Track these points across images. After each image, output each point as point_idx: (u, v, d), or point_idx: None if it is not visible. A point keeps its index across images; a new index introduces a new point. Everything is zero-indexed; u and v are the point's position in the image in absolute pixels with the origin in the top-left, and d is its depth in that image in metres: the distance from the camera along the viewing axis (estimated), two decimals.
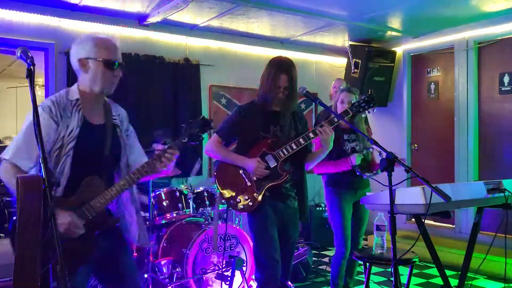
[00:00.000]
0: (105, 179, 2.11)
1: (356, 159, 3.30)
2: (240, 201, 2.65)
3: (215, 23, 5.21)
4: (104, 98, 2.22)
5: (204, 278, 3.70)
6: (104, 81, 2.11)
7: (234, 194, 2.68)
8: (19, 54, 1.90)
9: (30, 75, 1.79)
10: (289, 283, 2.87)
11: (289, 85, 2.69)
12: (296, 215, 2.80)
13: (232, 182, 2.69)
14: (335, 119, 2.69)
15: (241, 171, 2.68)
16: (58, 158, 2.02)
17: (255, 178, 2.65)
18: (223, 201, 2.77)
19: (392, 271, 2.24)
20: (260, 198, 2.63)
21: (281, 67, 2.73)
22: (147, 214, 3.88)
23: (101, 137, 2.13)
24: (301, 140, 2.64)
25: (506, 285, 4.19)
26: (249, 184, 2.66)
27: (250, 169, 2.64)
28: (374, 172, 3.36)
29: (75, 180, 2.03)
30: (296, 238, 2.85)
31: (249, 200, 2.64)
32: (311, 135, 2.64)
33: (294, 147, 2.63)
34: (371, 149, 3.47)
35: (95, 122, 2.14)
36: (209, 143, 2.81)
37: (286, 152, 2.63)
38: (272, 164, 2.64)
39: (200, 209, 4.06)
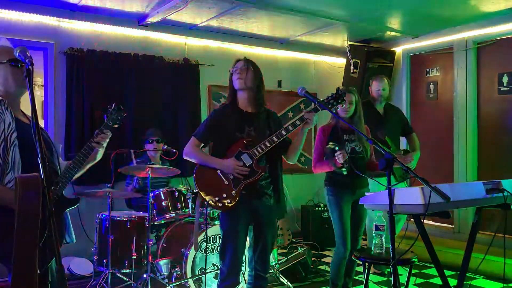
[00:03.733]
0: (52, 165, 2.23)
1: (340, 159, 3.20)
2: (218, 200, 2.72)
3: (215, 23, 5.21)
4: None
5: (203, 278, 3.69)
6: (16, 79, 2.18)
7: (212, 194, 2.74)
8: (17, 54, 1.91)
9: (29, 75, 1.79)
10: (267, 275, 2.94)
11: (246, 66, 2.81)
12: (271, 213, 2.87)
13: (210, 183, 2.77)
14: (318, 107, 2.74)
15: (218, 172, 2.76)
16: (7, 150, 2.07)
17: (232, 177, 2.73)
18: (202, 201, 2.82)
19: (392, 271, 2.24)
20: (237, 195, 2.72)
21: (237, 60, 2.90)
22: (146, 214, 3.88)
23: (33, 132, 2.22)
24: (274, 138, 2.72)
25: (505, 285, 4.19)
26: (226, 183, 2.74)
27: (227, 169, 2.73)
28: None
29: (27, 168, 2.08)
30: (274, 234, 2.95)
31: (227, 198, 2.72)
32: (284, 132, 2.73)
33: (268, 145, 2.71)
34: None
35: (22, 120, 2.23)
36: (187, 146, 2.87)
37: (260, 150, 2.72)
38: (248, 162, 2.73)
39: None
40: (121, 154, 4.34)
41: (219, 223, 2.88)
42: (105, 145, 2.44)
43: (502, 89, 5.07)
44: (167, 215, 3.99)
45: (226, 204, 2.71)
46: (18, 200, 1.58)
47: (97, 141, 2.38)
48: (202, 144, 2.87)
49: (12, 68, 2.16)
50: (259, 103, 2.88)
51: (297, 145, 2.89)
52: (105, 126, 2.45)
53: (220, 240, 2.87)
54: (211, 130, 2.85)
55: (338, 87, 2.86)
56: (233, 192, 2.72)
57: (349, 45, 5.96)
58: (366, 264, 2.85)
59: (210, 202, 2.74)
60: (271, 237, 2.91)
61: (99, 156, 2.47)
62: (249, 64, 2.85)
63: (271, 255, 4.15)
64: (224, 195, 2.72)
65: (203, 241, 3.75)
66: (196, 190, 2.83)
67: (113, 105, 2.54)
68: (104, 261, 3.79)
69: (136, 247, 3.83)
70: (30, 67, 1.79)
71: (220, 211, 2.82)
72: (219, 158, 2.78)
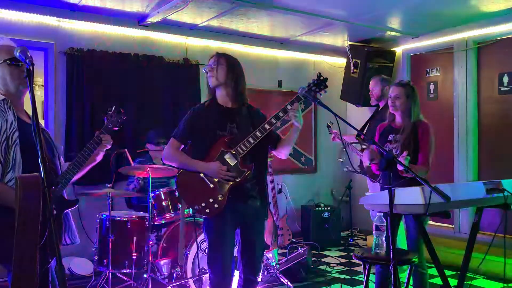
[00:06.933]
0: (53, 166, 2.24)
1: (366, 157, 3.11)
2: (205, 205, 2.57)
3: (215, 23, 5.21)
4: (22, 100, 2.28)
5: (203, 278, 3.69)
6: (14, 79, 2.18)
7: (198, 200, 2.59)
8: (18, 54, 1.90)
9: (29, 75, 1.79)
10: (258, 279, 2.80)
11: (216, 63, 2.70)
12: (258, 215, 2.74)
13: (194, 188, 2.62)
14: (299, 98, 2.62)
15: (202, 175, 2.60)
16: (8, 149, 2.07)
17: (216, 180, 2.58)
18: (188, 207, 2.73)
19: (392, 271, 2.24)
20: (224, 199, 2.57)
21: (210, 57, 2.80)
22: (146, 214, 3.88)
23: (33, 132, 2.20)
24: (257, 133, 2.57)
25: (505, 285, 4.19)
26: (212, 186, 2.58)
27: (211, 172, 2.58)
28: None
29: (28, 168, 2.08)
30: (261, 237, 2.78)
31: (214, 202, 2.57)
32: (267, 126, 2.58)
33: (252, 141, 2.57)
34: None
35: (25, 120, 2.22)
36: (167, 148, 2.74)
37: (244, 148, 2.57)
38: (233, 162, 2.58)
39: None
40: (121, 154, 4.35)
41: (203, 229, 2.71)
42: (109, 146, 2.43)
43: (502, 89, 5.07)
44: (167, 215, 3.99)
45: (213, 209, 2.56)
46: (18, 200, 1.58)
47: (102, 141, 2.38)
48: (182, 146, 2.72)
49: (10, 67, 2.16)
50: (239, 98, 2.72)
51: (289, 139, 2.74)
52: (105, 128, 2.45)
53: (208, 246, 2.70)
54: (191, 130, 2.69)
55: (319, 73, 2.70)
56: (220, 196, 2.56)
57: (349, 45, 5.96)
58: (366, 264, 2.85)
59: (197, 207, 2.59)
60: (260, 239, 2.78)
61: (99, 158, 2.44)
62: (220, 59, 2.70)
63: (271, 255, 4.15)
64: (211, 200, 2.56)
65: (203, 241, 3.75)
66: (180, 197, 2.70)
67: (113, 108, 2.53)
68: (105, 261, 3.79)
69: (136, 247, 3.82)
70: (30, 67, 1.78)
71: (205, 216, 2.65)
72: (201, 160, 2.62)
